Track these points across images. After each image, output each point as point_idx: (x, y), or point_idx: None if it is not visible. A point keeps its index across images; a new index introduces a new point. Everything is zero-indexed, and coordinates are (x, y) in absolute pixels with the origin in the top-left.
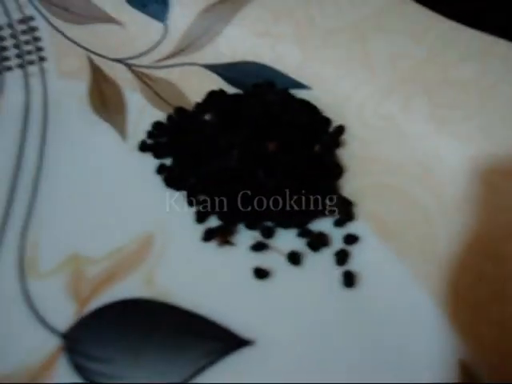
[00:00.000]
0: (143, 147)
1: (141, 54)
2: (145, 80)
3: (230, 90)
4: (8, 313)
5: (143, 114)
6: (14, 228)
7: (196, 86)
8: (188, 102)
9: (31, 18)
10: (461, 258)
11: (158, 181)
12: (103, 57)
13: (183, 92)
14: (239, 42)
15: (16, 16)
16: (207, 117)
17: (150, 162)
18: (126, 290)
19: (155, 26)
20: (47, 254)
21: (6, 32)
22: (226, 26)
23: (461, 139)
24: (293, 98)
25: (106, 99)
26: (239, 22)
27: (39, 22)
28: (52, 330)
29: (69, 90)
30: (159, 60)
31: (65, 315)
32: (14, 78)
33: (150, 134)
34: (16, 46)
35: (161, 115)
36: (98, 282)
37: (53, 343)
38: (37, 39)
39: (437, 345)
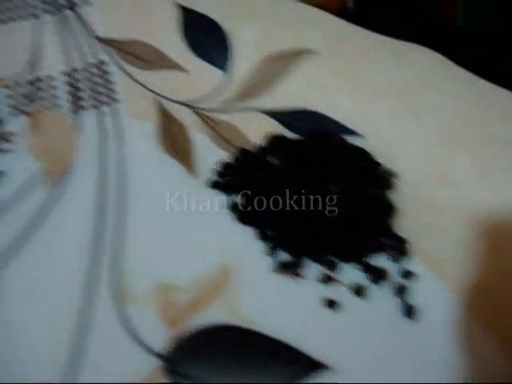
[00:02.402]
0: (214, 185)
1: (204, 98)
2: (208, 122)
3: (287, 134)
4: (107, 337)
5: (208, 153)
6: (109, 259)
7: (255, 129)
8: (249, 143)
9: (105, 63)
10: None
11: (227, 215)
12: (170, 100)
13: (244, 134)
14: (296, 91)
15: (92, 60)
16: (270, 159)
17: (219, 197)
18: (210, 317)
19: (217, 73)
20: (140, 282)
21: (83, 75)
22: (283, 75)
23: (500, 187)
24: (348, 144)
25: (173, 139)
26: (296, 73)
27: (112, 67)
28: (150, 351)
29: (139, 129)
30: (221, 104)
31: (159, 339)
32: (89, 117)
33: (219, 173)
34: (91, 88)
35: (224, 154)
36: (186, 309)
37: (151, 364)
38: (110, 82)
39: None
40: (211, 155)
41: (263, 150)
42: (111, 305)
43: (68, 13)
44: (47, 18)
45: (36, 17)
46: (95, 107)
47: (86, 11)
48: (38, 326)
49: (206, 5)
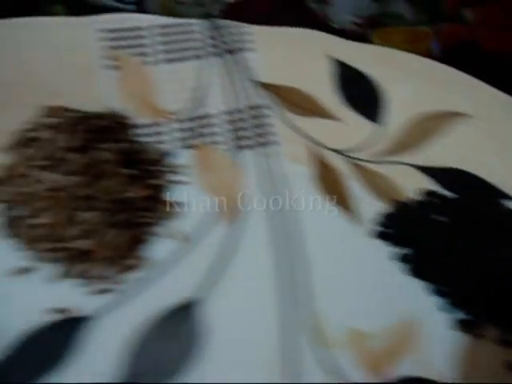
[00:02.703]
0: (379, 235)
1: (357, 148)
2: (361, 171)
3: (439, 190)
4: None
5: (364, 202)
6: (299, 301)
7: (407, 182)
8: (402, 195)
9: (264, 107)
10: None
11: (396, 266)
12: (324, 147)
13: (396, 186)
14: (448, 151)
15: (251, 103)
16: (433, 215)
17: (380, 247)
18: (405, 367)
19: (370, 125)
20: (332, 326)
21: (242, 115)
22: (436, 135)
23: None
24: (506, 208)
25: (330, 186)
26: (449, 134)
27: (271, 111)
28: None
29: (298, 173)
30: (374, 155)
31: None
32: (248, 156)
33: (383, 224)
34: (250, 129)
35: (380, 205)
36: (382, 357)
37: None
38: (268, 125)
39: None
40: (368, 204)
41: (421, 204)
42: (308, 346)
43: (231, 57)
44: (211, 60)
45: (201, 58)
46: (253, 147)
47: (249, 57)
48: (242, 359)
49: (361, 61)
